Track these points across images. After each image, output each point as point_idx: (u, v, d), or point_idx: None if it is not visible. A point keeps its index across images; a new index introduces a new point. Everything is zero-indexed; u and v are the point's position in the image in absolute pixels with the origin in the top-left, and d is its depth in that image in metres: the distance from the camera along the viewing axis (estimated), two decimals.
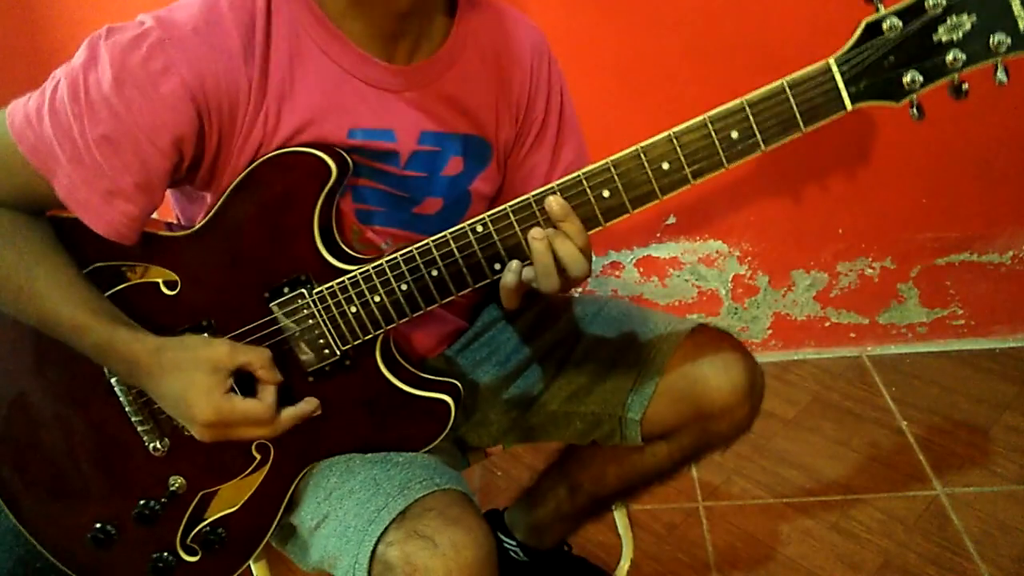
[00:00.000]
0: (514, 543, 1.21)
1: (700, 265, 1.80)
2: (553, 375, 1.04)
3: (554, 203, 0.76)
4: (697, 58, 1.56)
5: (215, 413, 0.78)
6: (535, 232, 0.77)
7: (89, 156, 0.76)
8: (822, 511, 1.47)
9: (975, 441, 1.59)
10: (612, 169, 0.76)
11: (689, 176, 0.76)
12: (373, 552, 0.76)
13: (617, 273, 1.83)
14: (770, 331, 1.86)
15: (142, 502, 0.89)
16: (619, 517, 1.36)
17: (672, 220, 1.75)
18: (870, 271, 1.77)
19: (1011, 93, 1.58)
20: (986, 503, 1.44)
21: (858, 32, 0.71)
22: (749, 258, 1.78)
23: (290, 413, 0.83)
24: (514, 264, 0.79)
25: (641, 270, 1.82)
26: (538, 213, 0.78)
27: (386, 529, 0.77)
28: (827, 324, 1.85)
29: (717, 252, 1.78)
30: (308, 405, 0.85)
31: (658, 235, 1.77)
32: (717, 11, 1.51)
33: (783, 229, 1.74)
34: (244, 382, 0.82)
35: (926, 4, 0.68)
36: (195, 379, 0.78)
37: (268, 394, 0.82)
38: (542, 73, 0.96)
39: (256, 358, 0.81)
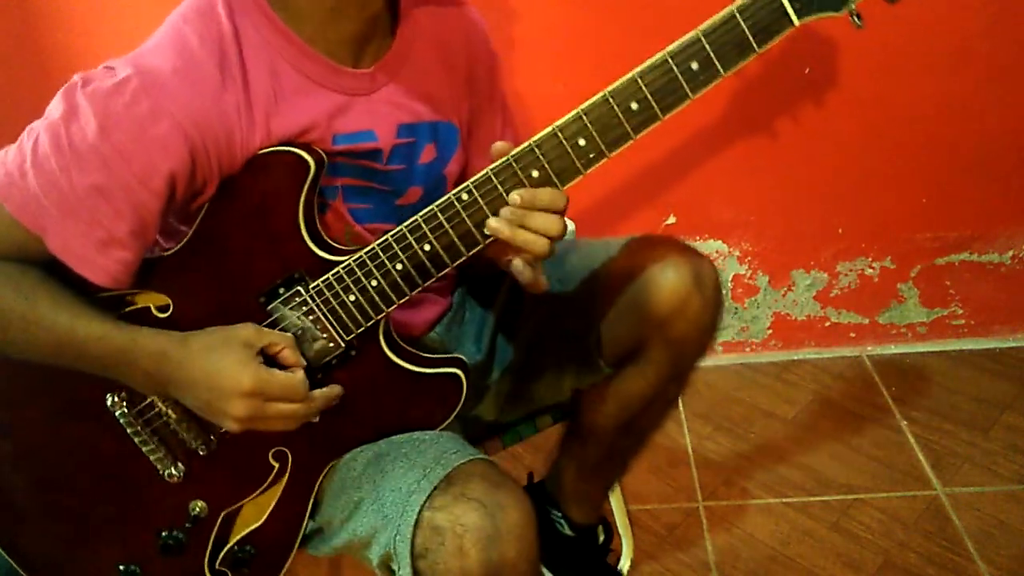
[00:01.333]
0: (559, 514, 1.22)
1: None
2: (513, 334, 1.05)
3: (516, 197, 0.78)
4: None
5: (254, 381, 0.78)
6: (492, 223, 0.79)
7: (81, 207, 0.76)
8: (822, 511, 1.47)
9: (975, 441, 1.59)
10: (584, 117, 0.78)
11: (659, 112, 0.78)
12: (417, 520, 0.77)
13: None
14: (770, 331, 1.86)
15: (164, 533, 0.88)
16: (619, 517, 1.36)
17: (672, 220, 1.75)
18: (870, 271, 1.77)
19: (1011, 93, 1.59)
20: (986, 503, 1.44)
21: None
22: (749, 258, 1.78)
23: (321, 393, 0.83)
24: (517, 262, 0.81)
25: None
26: (519, 172, 0.79)
27: (429, 496, 0.77)
28: (827, 324, 1.85)
29: (717, 252, 1.78)
30: (335, 388, 0.85)
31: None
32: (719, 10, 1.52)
33: (783, 229, 1.74)
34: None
35: None
36: (228, 354, 0.79)
37: (299, 372, 0.82)
38: (481, 51, 1.00)
39: (282, 339, 0.82)
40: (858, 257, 1.76)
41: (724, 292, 0.98)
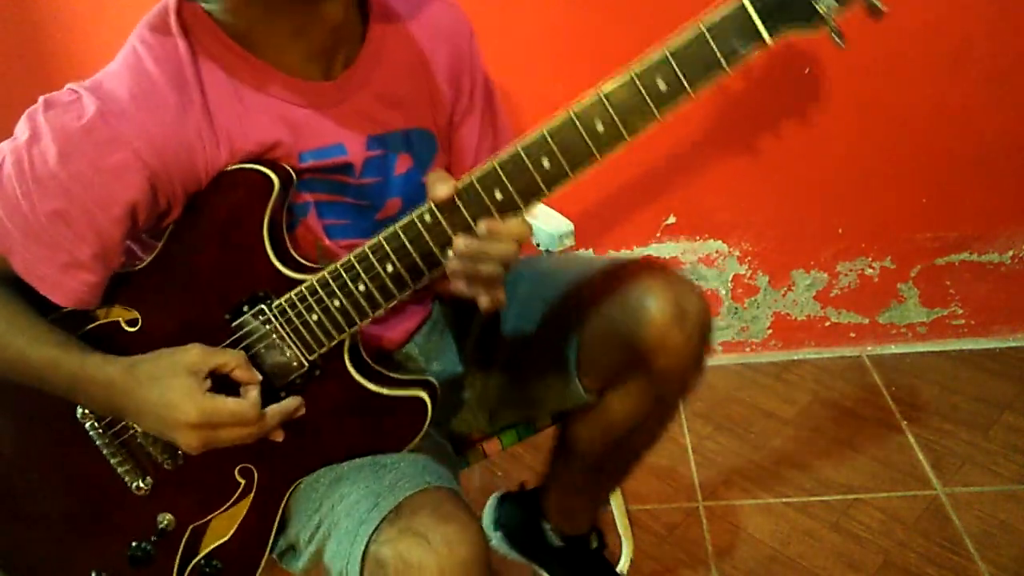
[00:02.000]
0: (550, 526, 1.21)
1: (700, 265, 1.80)
2: (495, 346, 1.04)
3: (461, 245, 0.76)
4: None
5: (199, 413, 0.77)
6: (452, 262, 0.78)
7: (43, 231, 0.76)
8: (822, 511, 1.47)
9: (975, 441, 1.59)
10: (548, 138, 0.75)
11: (624, 134, 0.75)
12: (365, 552, 0.76)
13: None
14: (770, 331, 1.86)
15: (133, 544, 0.87)
16: (619, 517, 1.36)
17: (672, 220, 1.75)
18: (870, 271, 1.77)
19: (1011, 93, 1.59)
20: (986, 503, 1.44)
21: None
22: (749, 258, 1.78)
23: (275, 410, 0.82)
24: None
25: None
26: (482, 192, 0.77)
27: (377, 527, 0.76)
28: (827, 324, 1.85)
29: (717, 252, 1.78)
30: (292, 403, 0.84)
31: (658, 235, 1.77)
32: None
33: (783, 229, 1.74)
34: (223, 389, 0.81)
35: None
36: (173, 384, 0.77)
37: (251, 393, 0.81)
38: (463, 48, 0.96)
39: (231, 359, 0.80)
40: (858, 257, 1.76)
41: (710, 325, 0.93)
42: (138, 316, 0.84)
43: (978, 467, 1.53)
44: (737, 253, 1.78)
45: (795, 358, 1.87)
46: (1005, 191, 1.67)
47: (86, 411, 0.85)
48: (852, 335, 1.86)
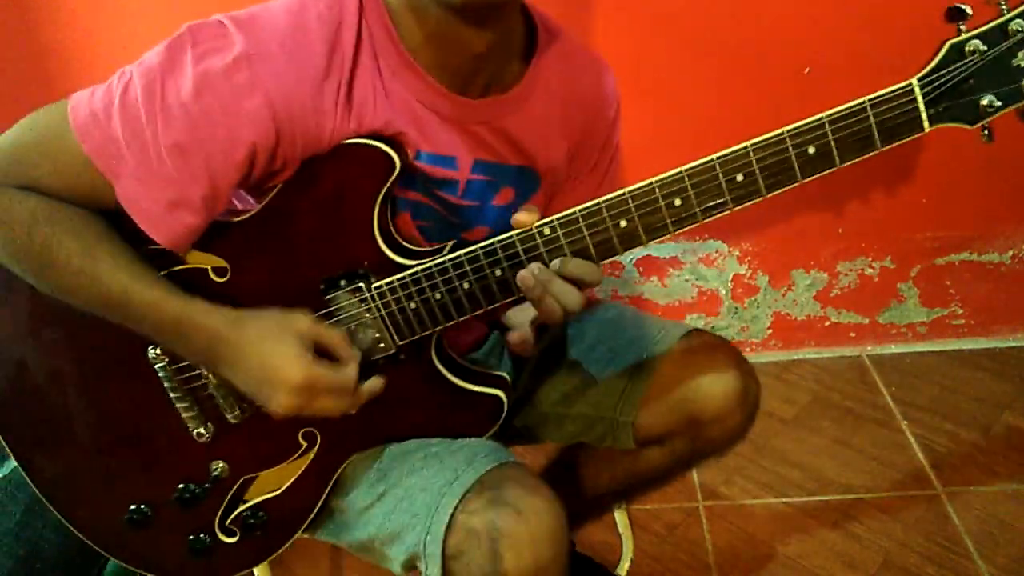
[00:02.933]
0: None
1: (700, 265, 1.80)
2: (546, 376, 1.04)
3: (528, 276, 0.79)
4: (700, 57, 1.56)
5: (305, 377, 0.77)
6: (525, 275, 0.79)
7: (159, 162, 0.74)
8: (822, 511, 1.47)
9: (975, 440, 1.59)
10: (687, 179, 0.77)
11: (763, 190, 0.77)
12: (450, 523, 0.77)
13: (617, 273, 1.82)
14: (770, 331, 1.86)
15: (182, 486, 0.89)
16: (619, 517, 1.36)
17: None
18: (870, 271, 1.77)
19: None
20: (986, 502, 1.44)
21: (941, 53, 0.72)
22: (749, 258, 1.78)
23: (368, 387, 0.83)
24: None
25: (641, 270, 1.82)
26: (608, 219, 0.78)
27: (462, 499, 0.77)
28: (827, 324, 1.85)
29: (717, 252, 1.78)
30: (378, 383, 0.84)
31: None
32: (718, 10, 1.52)
33: (783, 229, 1.74)
34: None
35: (1008, 28, 0.68)
36: (282, 346, 0.77)
37: (352, 367, 0.81)
38: (606, 120, 0.98)
39: (335, 335, 0.81)
40: (858, 257, 1.76)
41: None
42: (228, 267, 0.83)
43: (978, 467, 1.53)
44: (737, 253, 1.78)
45: (795, 358, 1.87)
46: (1005, 191, 1.67)
47: (158, 352, 0.85)
48: (852, 335, 1.86)
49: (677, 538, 1.44)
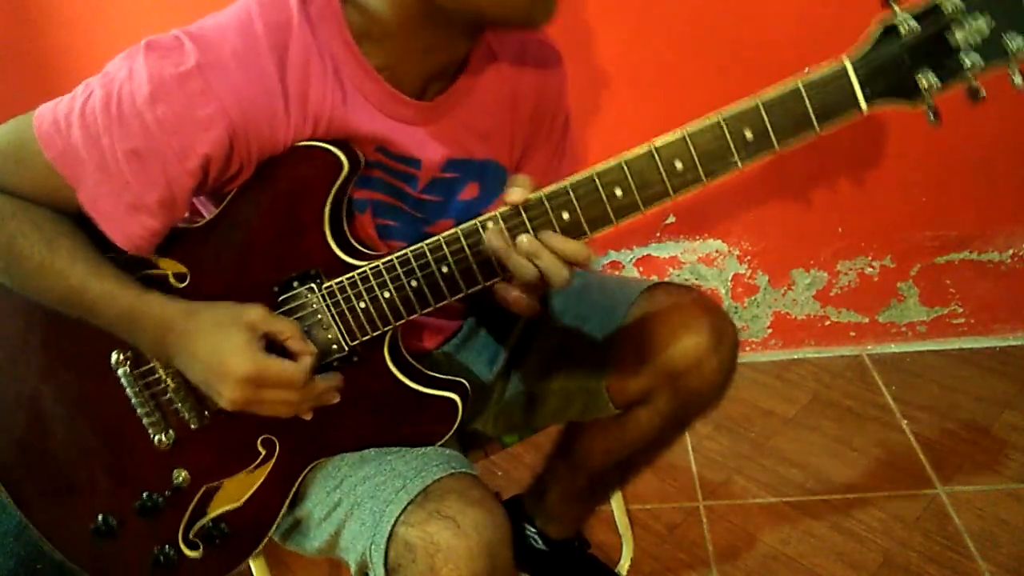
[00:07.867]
0: (534, 530, 1.22)
1: (700, 264, 1.80)
2: (523, 358, 1.05)
3: (525, 241, 0.76)
4: (700, 55, 1.56)
5: (253, 367, 0.77)
6: (521, 242, 0.77)
7: (116, 168, 0.76)
8: (822, 510, 1.47)
9: (976, 440, 1.59)
10: (625, 168, 0.75)
11: (703, 176, 0.75)
12: (391, 534, 0.76)
13: (617, 273, 1.83)
14: (770, 330, 1.86)
15: (145, 495, 0.89)
16: (619, 516, 1.36)
17: (672, 220, 1.75)
18: (870, 270, 1.77)
19: (1010, 92, 1.58)
20: (987, 502, 1.44)
21: (874, 33, 0.70)
22: (749, 257, 1.78)
23: (320, 380, 0.82)
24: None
25: (641, 269, 1.82)
26: (550, 210, 0.77)
27: (404, 510, 0.77)
28: (827, 323, 1.85)
29: (717, 251, 1.78)
30: (336, 378, 0.84)
31: (658, 234, 1.77)
32: (718, 9, 1.52)
33: (783, 228, 1.74)
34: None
35: (943, 7, 0.67)
36: (231, 336, 0.78)
37: (305, 360, 0.81)
38: (552, 90, 0.98)
39: (289, 328, 0.81)
40: (858, 256, 1.76)
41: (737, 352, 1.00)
42: (187, 272, 0.84)
43: (979, 466, 1.52)
44: (737, 252, 1.78)
45: (795, 357, 1.87)
46: (1005, 190, 1.67)
47: (121, 356, 0.86)
48: (852, 334, 1.86)
49: (677, 537, 1.44)
